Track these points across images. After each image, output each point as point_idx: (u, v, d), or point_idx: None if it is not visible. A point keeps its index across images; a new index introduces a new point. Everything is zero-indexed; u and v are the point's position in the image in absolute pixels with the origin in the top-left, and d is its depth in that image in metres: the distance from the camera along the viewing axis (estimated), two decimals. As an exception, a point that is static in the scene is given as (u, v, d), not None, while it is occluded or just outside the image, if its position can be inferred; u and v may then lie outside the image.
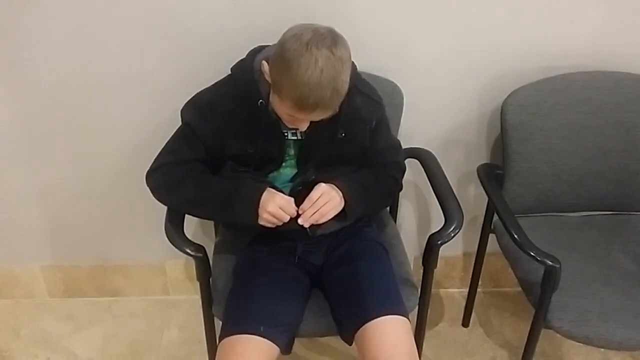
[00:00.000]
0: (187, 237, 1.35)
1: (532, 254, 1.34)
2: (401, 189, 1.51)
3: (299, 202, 1.30)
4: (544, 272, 1.33)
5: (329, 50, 1.13)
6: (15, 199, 1.84)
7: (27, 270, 1.99)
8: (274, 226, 1.29)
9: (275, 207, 1.26)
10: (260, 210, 1.27)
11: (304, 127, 1.26)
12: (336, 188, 1.33)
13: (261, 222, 1.28)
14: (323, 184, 1.32)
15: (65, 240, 1.94)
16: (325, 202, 1.29)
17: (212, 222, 1.79)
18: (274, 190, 1.30)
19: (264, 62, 1.23)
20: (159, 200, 1.38)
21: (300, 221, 1.28)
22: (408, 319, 1.28)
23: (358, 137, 1.39)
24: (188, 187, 1.33)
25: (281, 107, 1.22)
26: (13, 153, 1.76)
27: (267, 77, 1.23)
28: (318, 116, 1.21)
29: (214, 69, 1.40)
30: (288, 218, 1.28)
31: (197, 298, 1.99)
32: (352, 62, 1.37)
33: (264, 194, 1.28)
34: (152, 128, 1.68)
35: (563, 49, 1.62)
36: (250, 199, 1.28)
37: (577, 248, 1.56)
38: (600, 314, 1.35)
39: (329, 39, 1.14)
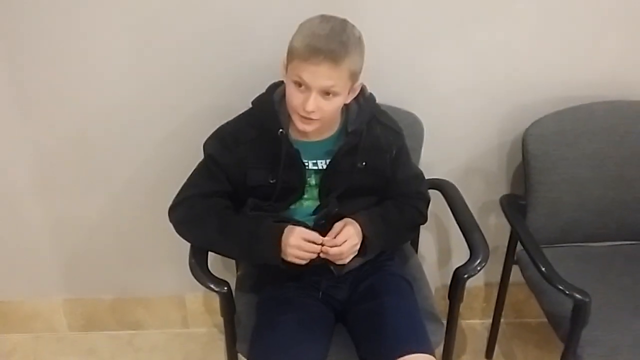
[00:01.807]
0: (211, 273, 1.34)
1: (561, 287, 1.32)
2: (425, 220, 1.49)
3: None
4: (574, 307, 1.31)
5: (342, 21, 1.23)
6: (35, 232, 1.85)
7: (47, 304, 1.99)
8: (303, 262, 1.28)
9: (297, 239, 1.26)
10: (284, 247, 1.27)
11: (311, 105, 1.21)
12: (356, 225, 1.32)
13: (290, 259, 1.27)
14: (344, 223, 1.31)
15: (85, 273, 1.94)
16: (344, 240, 1.28)
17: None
18: (294, 227, 1.29)
19: (282, 59, 1.27)
20: (181, 236, 1.38)
21: (322, 250, 1.28)
22: (434, 356, 1.25)
23: (378, 166, 1.39)
24: (210, 226, 1.33)
25: (291, 78, 1.23)
26: (32, 186, 1.77)
27: (283, 68, 1.26)
28: (324, 74, 1.19)
29: (235, 104, 1.41)
30: (314, 249, 1.27)
31: (215, 330, 2.01)
32: (371, 93, 1.39)
33: (285, 231, 1.27)
34: (172, 160, 1.69)
35: (584, 78, 1.63)
36: (271, 238, 1.27)
37: (604, 279, 1.54)
38: (632, 347, 1.33)
39: (341, 18, 1.24)
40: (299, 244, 1.26)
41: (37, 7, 1.50)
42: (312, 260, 1.28)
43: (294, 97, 1.24)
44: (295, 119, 1.28)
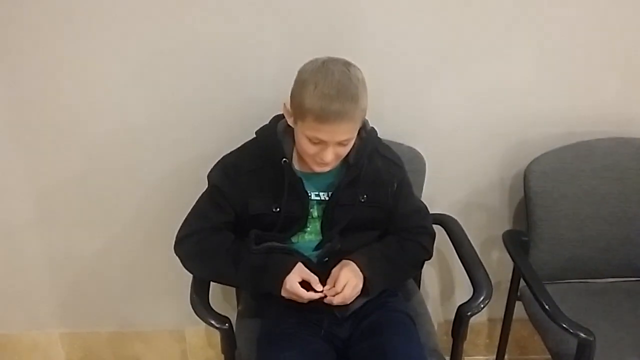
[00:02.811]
0: (212, 309, 1.34)
1: (565, 326, 1.31)
2: (431, 256, 1.48)
3: (326, 275, 1.31)
4: (578, 345, 1.30)
5: (344, 66, 1.22)
6: (34, 265, 1.84)
7: (46, 337, 1.97)
8: (304, 301, 1.29)
9: (290, 287, 1.27)
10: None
11: (329, 156, 1.24)
12: (353, 264, 1.32)
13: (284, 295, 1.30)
14: (340, 266, 1.32)
15: (84, 306, 1.93)
16: (344, 285, 1.29)
17: (233, 290, 1.77)
18: (298, 268, 1.30)
19: (284, 103, 1.28)
20: (188, 269, 1.38)
21: (326, 300, 1.29)
22: (437, 394, 1.25)
23: (380, 200, 1.40)
24: (220, 262, 1.33)
25: (305, 133, 1.23)
26: (32, 219, 1.77)
27: (289, 116, 1.28)
28: (341, 131, 1.21)
29: (239, 138, 1.43)
30: (307, 296, 1.28)
31: (216, 366, 1.99)
32: (373, 127, 1.40)
33: (294, 269, 1.29)
34: (172, 195, 1.69)
35: (585, 115, 1.64)
36: (279, 276, 1.29)
37: (607, 316, 1.53)
38: (636, 387, 1.32)
39: (342, 61, 1.24)
40: (293, 291, 1.27)
41: (38, 44, 1.52)
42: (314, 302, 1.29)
43: (308, 148, 1.26)
44: (310, 162, 1.30)
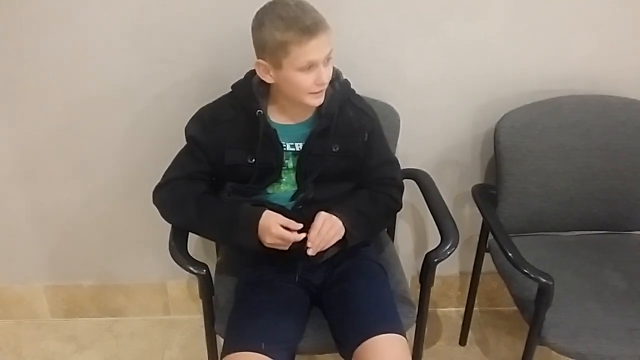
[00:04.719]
0: (190, 256, 1.38)
1: (526, 271, 1.38)
2: (400, 207, 1.52)
3: (300, 221, 1.34)
4: (538, 289, 1.37)
5: None
6: (18, 219, 1.87)
7: (29, 290, 2.02)
8: (285, 248, 1.32)
9: (277, 229, 1.29)
10: (261, 233, 1.31)
11: (325, 75, 1.28)
12: (335, 217, 1.35)
13: (268, 245, 1.32)
14: (323, 212, 1.35)
15: (67, 260, 1.97)
16: (329, 228, 1.33)
17: (213, 242, 1.82)
18: (272, 213, 1.33)
19: (257, 62, 1.30)
20: (163, 218, 1.43)
21: (309, 252, 1.31)
22: (405, 337, 1.30)
23: (352, 150, 1.43)
24: (189, 211, 1.38)
25: (295, 66, 1.25)
26: (14, 173, 1.79)
27: (266, 72, 1.30)
28: (324, 42, 1.25)
29: (218, 93, 1.45)
30: (293, 238, 1.30)
31: (197, 318, 2.04)
32: (346, 79, 1.44)
33: (262, 218, 1.32)
34: (153, 148, 1.73)
35: (555, 73, 1.68)
36: (249, 225, 1.32)
37: (570, 266, 1.60)
38: (593, 330, 1.38)
39: None
40: (280, 234, 1.29)
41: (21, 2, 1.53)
42: (293, 248, 1.33)
43: (304, 80, 1.28)
44: (308, 99, 1.32)
